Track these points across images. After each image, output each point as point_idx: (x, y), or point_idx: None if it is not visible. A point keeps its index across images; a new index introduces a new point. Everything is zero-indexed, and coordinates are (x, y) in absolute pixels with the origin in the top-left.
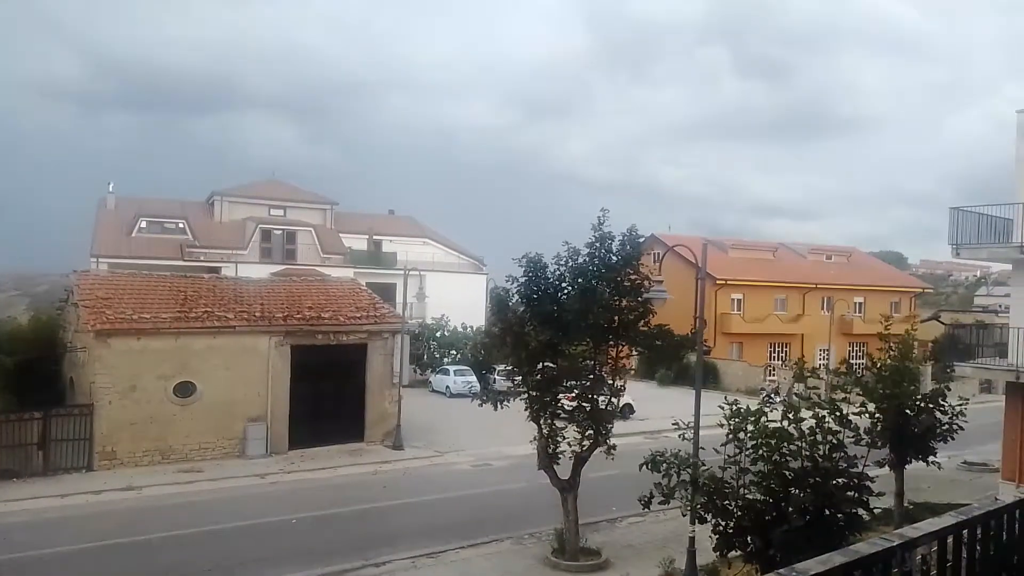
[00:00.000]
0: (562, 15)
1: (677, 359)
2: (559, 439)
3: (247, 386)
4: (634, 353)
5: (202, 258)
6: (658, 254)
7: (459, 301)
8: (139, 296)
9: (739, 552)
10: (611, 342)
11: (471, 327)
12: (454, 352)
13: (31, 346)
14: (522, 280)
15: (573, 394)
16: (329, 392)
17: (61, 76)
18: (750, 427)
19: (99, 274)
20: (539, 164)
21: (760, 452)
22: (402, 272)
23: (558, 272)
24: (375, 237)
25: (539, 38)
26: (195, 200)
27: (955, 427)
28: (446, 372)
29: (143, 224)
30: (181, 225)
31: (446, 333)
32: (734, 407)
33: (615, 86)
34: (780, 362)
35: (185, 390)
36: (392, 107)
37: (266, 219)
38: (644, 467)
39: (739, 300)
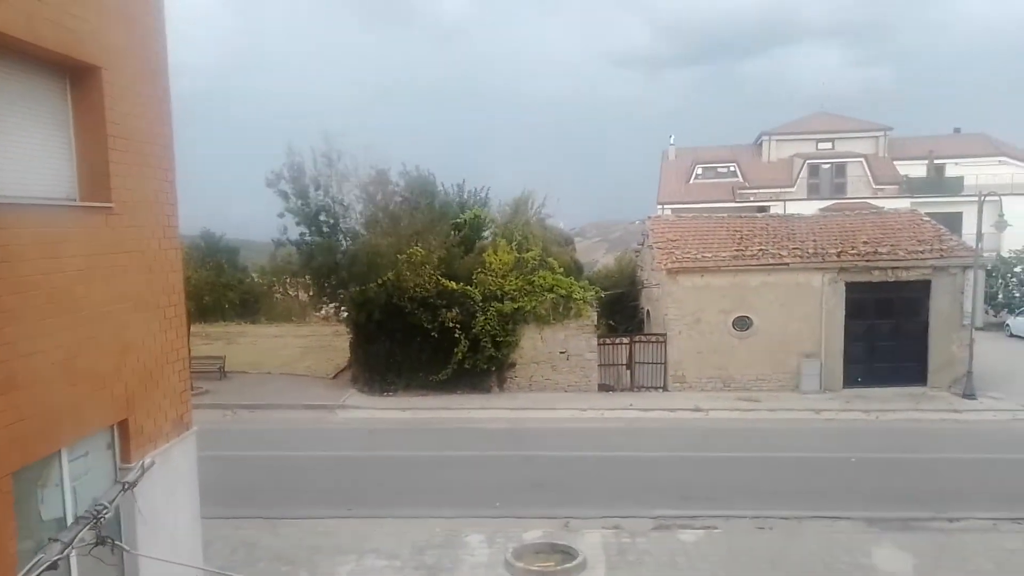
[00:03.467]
0: None
1: None
2: None
3: (800, 322)
4: None
5: (752, 198)
6: None
7: None
8: (701, 237)
9: None
10: None
11: None
12: None
13: (615, 283)
14: None
15: None
16: (885, 331)
17: (630, 44)
18: None
19: (667, 219)
20: None
21: None
22: (972, 198)
23: None
24: (936, 161)
25: None
26: (744, 144)
27: None
28: None
29: (699, 171)
30: (732, 168)
31: None
32: None
33: None
34: None
35: (742, 324)
36: (965, 4)
37: (813, 154)
38: None
39: None
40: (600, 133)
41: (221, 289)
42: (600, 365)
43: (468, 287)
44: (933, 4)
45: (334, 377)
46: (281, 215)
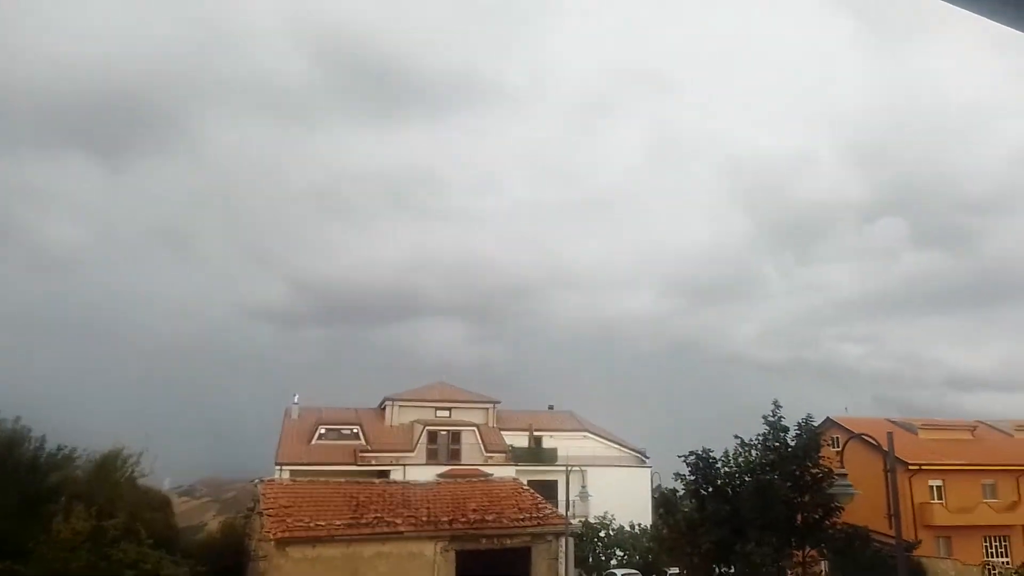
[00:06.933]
0: (721, 205)
1: (873, 562)
2: None
3: None
4: (823, 556)
5: (373, 462)
6: (837, 439)
7: (623, 497)
8: (316, 503)
9: None
10: (794, 544)
11: (638, 525)
12: (620, 553)
13: (219, 554)
14: (689, 478)
15: None
16: None
17: (268, 300)
18: None
19: (282, 482)
20: (705, 349)
21: None
22: (563, 468)
23: (729, 468)
24: (535, 433)
25: (699, 228)
26: (369, 407)
27: None
28: None
29: (323, 431)
30: (356, 431)
31: (611, 532)
32: None
33: (782, 266)
34: (1001, 560)
35: None
36: (556, 305)
37: (432, 421)
38: None
39: (938, 487)
40: (225, 384)
41: None
42: None
43: (19, 566)
44: (531, 298)
45: None
46: None
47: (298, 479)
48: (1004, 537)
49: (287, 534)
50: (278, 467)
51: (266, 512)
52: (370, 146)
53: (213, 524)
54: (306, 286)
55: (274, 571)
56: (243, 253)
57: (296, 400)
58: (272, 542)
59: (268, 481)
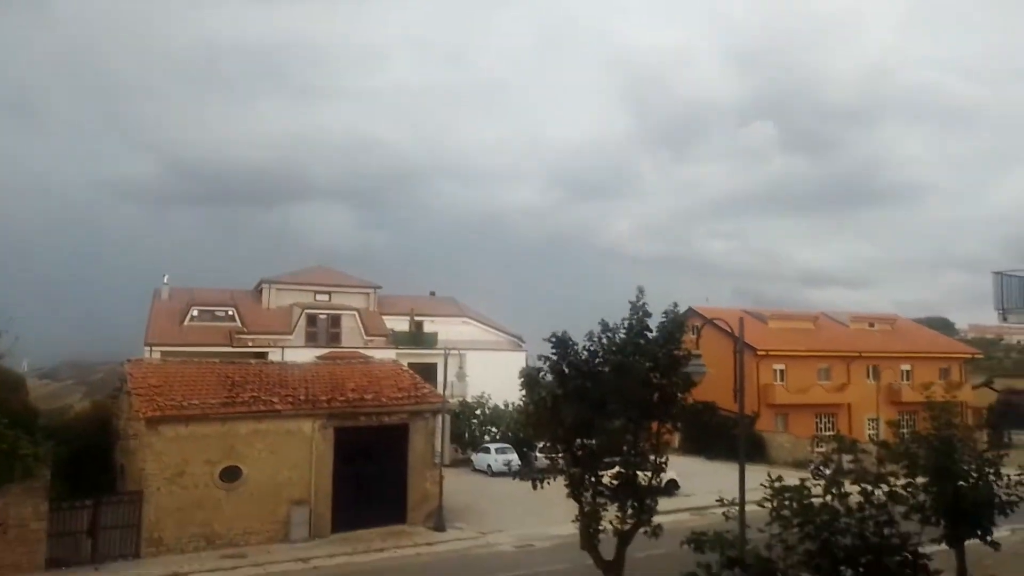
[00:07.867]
0: (605, 100)
1: (719, 434)
2: (601, 517)
3: (291, 469)
4: (676, 429)
5: (250, 344)
6: (697, 327)
7: (499, 378)
8: (189, 383)
9: None
10: (650, 418)
11: (511, 404)
12: (494, 430)
13: (85, 434)
14: (553, 358)
15: (613, 470)
16: (371, 474)
17: (136, 176)
18: (794, 504)
19: (151, 362)
20: (584, 241)
21: (807, 530)
22: (442, 352)
23: (591, 348)
24: (416, 318)
25: (583, 122)
26: (244, 289)
27: (1014, 499)
28: (487, 450)
29: (195, 313)
30: (231, 313)
31: (487, 411)
32: (776, 484)
33: (659, 164)
34: (828, 432)
35: (231, 475)
36: (443, 192)
37: (312, 304)
38: (686, 546)
39: (781, 371)
40: (89, 264)
41: None
42: (53, 535)
43: None
44: (418, 185)
45: None
46: None
47: (169, 359)
48: (832, 415)
49: (158, 412)
50: (148, 348)
51: (135, 391)
52: (249, 15)
53: (80, 406)
54: (178, 163)
55: (145, 449)
56: (104, 124)
57: (166, 281)
58: (142, 421)
59: (136, 361)
